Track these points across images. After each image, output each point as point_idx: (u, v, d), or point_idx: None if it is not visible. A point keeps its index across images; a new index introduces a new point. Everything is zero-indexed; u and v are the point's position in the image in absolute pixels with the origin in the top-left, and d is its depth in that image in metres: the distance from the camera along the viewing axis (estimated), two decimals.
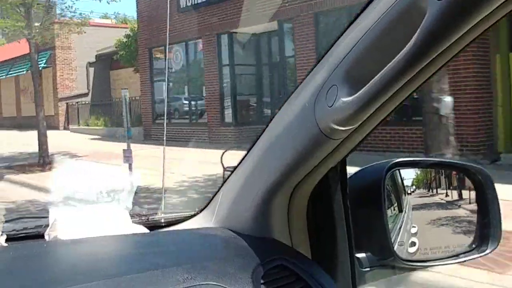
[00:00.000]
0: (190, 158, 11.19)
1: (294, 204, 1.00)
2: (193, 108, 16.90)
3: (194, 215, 1.18)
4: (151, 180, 5.09)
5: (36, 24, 13.26)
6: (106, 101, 23.02)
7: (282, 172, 0.94)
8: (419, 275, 3.84)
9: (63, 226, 1.03)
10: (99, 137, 19.01)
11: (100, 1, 14.76)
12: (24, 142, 15.70)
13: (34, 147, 12.79)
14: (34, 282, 0.78)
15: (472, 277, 3.99)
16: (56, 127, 23.62)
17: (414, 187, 1.17)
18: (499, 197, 1.12)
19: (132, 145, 7.90)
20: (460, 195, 1.19)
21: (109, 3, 17.03)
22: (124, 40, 20.77)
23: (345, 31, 0.82)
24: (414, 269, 1.15)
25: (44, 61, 24.61)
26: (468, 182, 1.17)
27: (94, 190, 1.10)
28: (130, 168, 7.15)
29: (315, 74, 0.87)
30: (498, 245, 1.11)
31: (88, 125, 22.03)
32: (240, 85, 15.58)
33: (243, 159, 1.05)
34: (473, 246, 1.12)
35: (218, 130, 15.18)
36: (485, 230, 1.11)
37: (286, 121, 0.93)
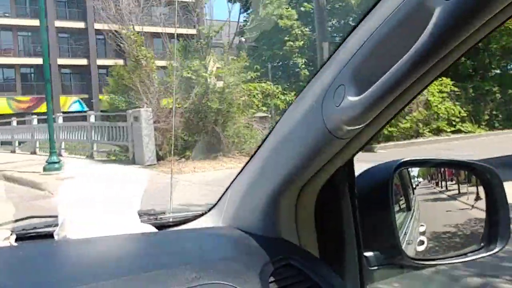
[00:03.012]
0: None
1: (302, 203, 1.00)
2: None
3: (202, 215, 1.18)
4: None
5: None
6: None
7: (290, 172, 0.94)
8: None
9: (72, 226, 1.04)
10: None
11: None
12: None
13: None
14: (43, 281, 0.79)
15: None
16: None
17: (422, 186, 1.17)
18: None
19: None
20: (468, 193, 1.19)
21: None
22: None
23: (353, 30, 0.82)
24: (422, 267, 1.14)
25: None
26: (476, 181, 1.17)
27: (102, 189, 1.10)
28: None
29: (323, 73, 0.88)
30: (506, 244, 1.11)
31: None
32: None
33: (251, 158, 1.05)
34: (482, 244, 1.11)
35: None
36: (493, 228, 1.11)
37: (294, 120, 0.93)
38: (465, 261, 1.12)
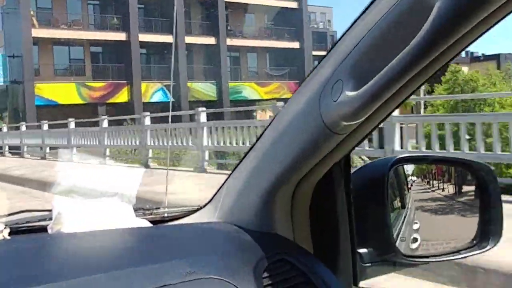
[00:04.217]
0: None
1: (297, 199, 1.00)
2: None
3: (198, 210, 1.18)
4: None
5: None
6: None
7: (286, 167, 0.95)
8: None
9: (67, 220, 1.04)
10: None
11: None
12: None
13: None
14: (36, 274, 0.79)
15: None
16: None
17: (416, 183, 1.18)
18: None
19: None
20: (462, 190, 1.20)
21: None
22: None
23: (351, 26, 0.83)
24: (415, 264, 1.15)
25: None
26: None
27: (98, 184, 1.10)
28: None
29: (321, 68, 0.88)
30: (499, 241, 1.11)
31: None
32: None
33: (247, 153, 1.05)
34: (474, 242, 1.12)
35: None
36: (486, 226, 1.12)
37: (291, 115, 0.93)
38: (457, 258, 1.13)
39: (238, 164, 1.08)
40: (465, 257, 1.12)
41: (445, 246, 1.15)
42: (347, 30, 0.84)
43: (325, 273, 0.94)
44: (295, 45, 39.66)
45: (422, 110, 14.13)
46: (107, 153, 14.95)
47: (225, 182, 1.11)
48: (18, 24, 30.45)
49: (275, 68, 40.05)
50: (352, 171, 1.04)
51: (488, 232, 1.11)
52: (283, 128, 0.95)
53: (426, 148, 7.85)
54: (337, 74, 0.83)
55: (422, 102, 14.44)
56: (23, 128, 21.50)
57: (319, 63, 0.90)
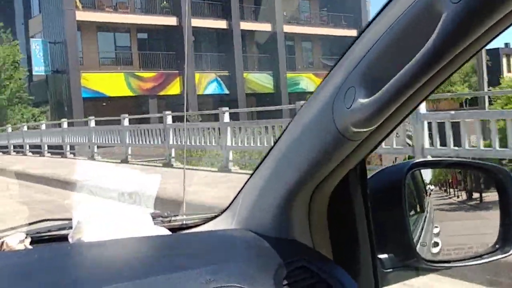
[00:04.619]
0: None
1: (315, 205, 1.00)
2: None
3: (216, 217, 1.19)
4: None
5: None
6: None
7: (302, 174, 0.95)
8: None
9: (87, 229, 1.05)
10: None
11: None
12: None
13: None
14: (57, 284, 0.80)
15: None
16: None
17: (435, 187, 1.17)
18: None
19: None
20: (481, 194, 1.18)
21: None
22: None
23: (362, 32, 0.83)
24: (436, 270, 1.14)
25: None
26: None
27: (116, 192, 1.11)
28: None
29: (333, 76, 0.88)
30: None
31: None
32: None
33: (263, 160, 1.05)
34: (497, 246, 1.11)
35: None
36: (507, 230, 1.10)
37: (305, 122, 0.93)
38: (479, 263, 1.11)
39: (255, 171, 1.08)
40: (487, 261, 1.10)
41: (467, 251, 1.13)
42: (358, 37, 0.84)
43: (346, 279, 0.94)
44: (353, 33, 34.04)
45: (486, 105, 13.80)
46: (173, 154, 12.85)
47: (242, 188, 1.11)
48: (59, 6, 26.84)
49: (331, 57, 34.45)
50: (368, 176, 1.03)
51: (509, 235, 1.10)
52: (297, 135, 0.95)
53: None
54: (350, 81, 0.83)
55: (486, 97, 14.07)
56: (92, 123, 17.25)
57: (331, 69, 0.89)
